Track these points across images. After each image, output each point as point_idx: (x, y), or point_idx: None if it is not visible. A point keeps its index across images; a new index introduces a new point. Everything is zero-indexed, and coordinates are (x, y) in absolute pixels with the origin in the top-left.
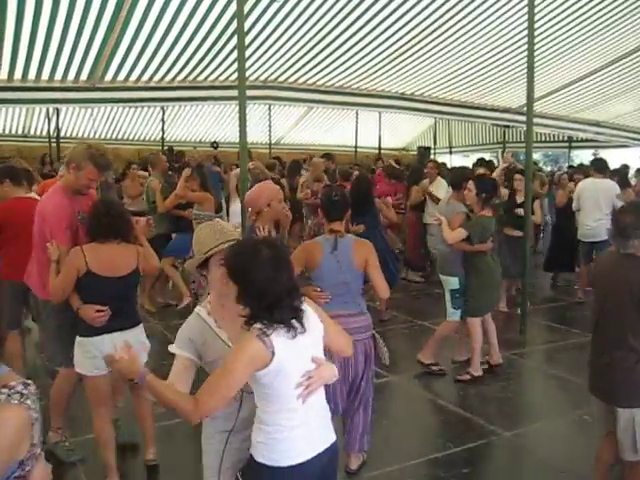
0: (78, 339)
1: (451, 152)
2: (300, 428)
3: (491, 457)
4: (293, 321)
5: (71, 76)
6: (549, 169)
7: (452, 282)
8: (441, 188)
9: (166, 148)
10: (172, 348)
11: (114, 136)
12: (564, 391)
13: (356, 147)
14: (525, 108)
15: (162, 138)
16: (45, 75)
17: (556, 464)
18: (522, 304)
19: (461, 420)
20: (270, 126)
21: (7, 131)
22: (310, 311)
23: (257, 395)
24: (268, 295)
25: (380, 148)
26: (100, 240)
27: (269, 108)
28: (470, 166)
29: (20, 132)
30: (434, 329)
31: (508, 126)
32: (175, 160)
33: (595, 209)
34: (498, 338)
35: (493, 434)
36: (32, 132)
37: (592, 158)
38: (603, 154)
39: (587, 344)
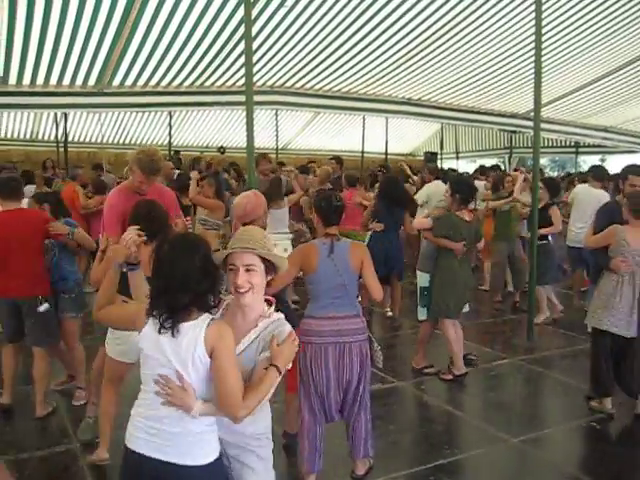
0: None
1: (458, 157)
2: (141, 416)
3: (498, 464)
4: (163, 317)
5: (79, 81)
6: (556, 174)
7: (423, 278)
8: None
9: (173, 152)
10: None
11: (121, 141)
12: (571, 397)
13: (363, 152)
14: (532, 113)
15: (169, 143)
16: (53, 80)
17: (563, 471)
18: (529, 310)
19: (468, 426)
20: (277, 131)
21: (15, 136)
22: (199, 333)
23: None
24: (153, 285)
25: (387, 153)
26: None
27: (276, 113)
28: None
29: (28, 137)
30: (441, 334)
31: (515, 131)
32: (191, 167)
33: (583, 215)
34: (506, 343)
35: (500, 440)
36: (40, 137)
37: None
38: (611, 160)
39: None
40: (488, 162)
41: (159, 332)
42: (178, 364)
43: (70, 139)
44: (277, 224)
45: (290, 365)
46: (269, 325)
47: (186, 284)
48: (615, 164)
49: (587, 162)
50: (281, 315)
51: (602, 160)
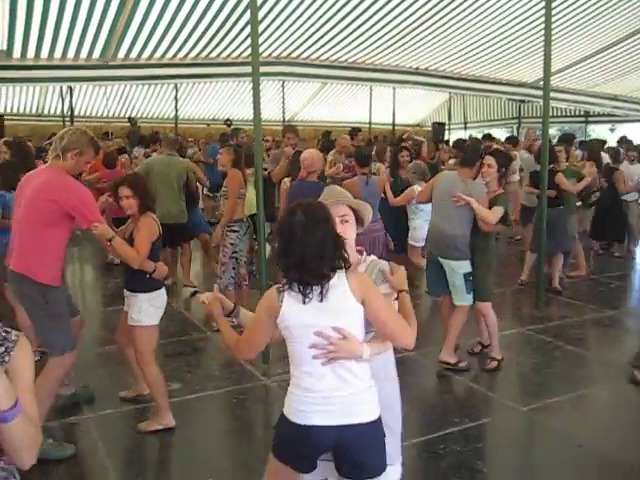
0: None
1: (466, 127)
2: (306, 391)
3: (507, 432)
4: (307, 287)
5: (84, 54)
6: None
7: (464, 265)
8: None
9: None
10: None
11: (127, 114)
12: (580, 366)
13: (370, 123)
14: (541, 82)
15: (175, 116)
16: (58, 53)
17: (572, 439)
18: (538, 280)
19: (477, 395)
20: (284, 103)
21: (22, 110)
22: (344, 287)
23: None
24: (287, 256)
25: (394, 124)
26: None
27: (282, 84)
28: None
29: (34, 111)
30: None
31: (523, 101)
32: (221, 140)
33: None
34: (514, 313)
35: (509, 409)
36: (46, 111)
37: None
38: (620, 128)
39: (603, 320)
40: (496, 132)
41: (304, 303)
42: (332, 321)
43: (76, 113)
44: None
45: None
46: (368, 267)
47: (323, 253)
48: (625, 133)
49: (596, 131)
50: (373, 257)
51: (612, 129)
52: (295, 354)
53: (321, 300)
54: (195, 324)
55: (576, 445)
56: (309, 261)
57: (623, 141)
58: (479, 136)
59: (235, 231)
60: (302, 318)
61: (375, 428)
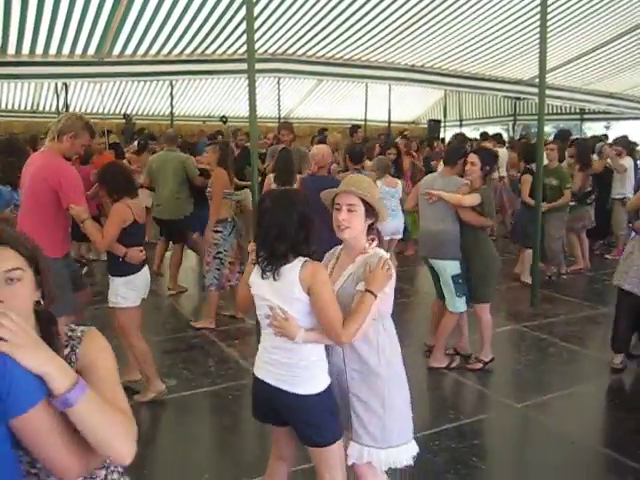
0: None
1: (461, 125)
2: (263, 348)
3: (502, 429)
4: (267, 264)
5: (79, 50)
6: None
7: (452, 266)
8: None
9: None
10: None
11: (123, 111)
12: (574, 363)
13: (366, 120)
14: (536, 80)
15: (171, 113)
16: (53, 50)
17: (566, 435)
18: (533, 276)
19: (471, 392)
20: (279, 99)
21: (16, 107)
22: (294, 275)
23: None
24: (256, 235)
25: (390, 121)
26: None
27: (278, 81)
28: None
29: (29, 108)
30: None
31: (519, 98)
32: (210, 137)
33: None
34: (509, 310)
35: (503, 406)
36: (41, 108)
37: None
38: (616, 126)
39: (598, 317)
40: (492, 129)
41: (262, 277)
42: (280, 302)
43: (71, 110)
44: None
45: (387, 289)
46: (364, 260)
47: (283, 234)
48: (620, 131)
49: (592, 129)
50: (379, 250)
51: (607, 127)
52: (260, 318)
53: (274, 279)
54: (191, 321)
55: (569, 442)
56: (271, 241)
57: (603, 139)
58: (476, 134)
59: (219, 231)
60: (261, 291)
61: (311, 402)
